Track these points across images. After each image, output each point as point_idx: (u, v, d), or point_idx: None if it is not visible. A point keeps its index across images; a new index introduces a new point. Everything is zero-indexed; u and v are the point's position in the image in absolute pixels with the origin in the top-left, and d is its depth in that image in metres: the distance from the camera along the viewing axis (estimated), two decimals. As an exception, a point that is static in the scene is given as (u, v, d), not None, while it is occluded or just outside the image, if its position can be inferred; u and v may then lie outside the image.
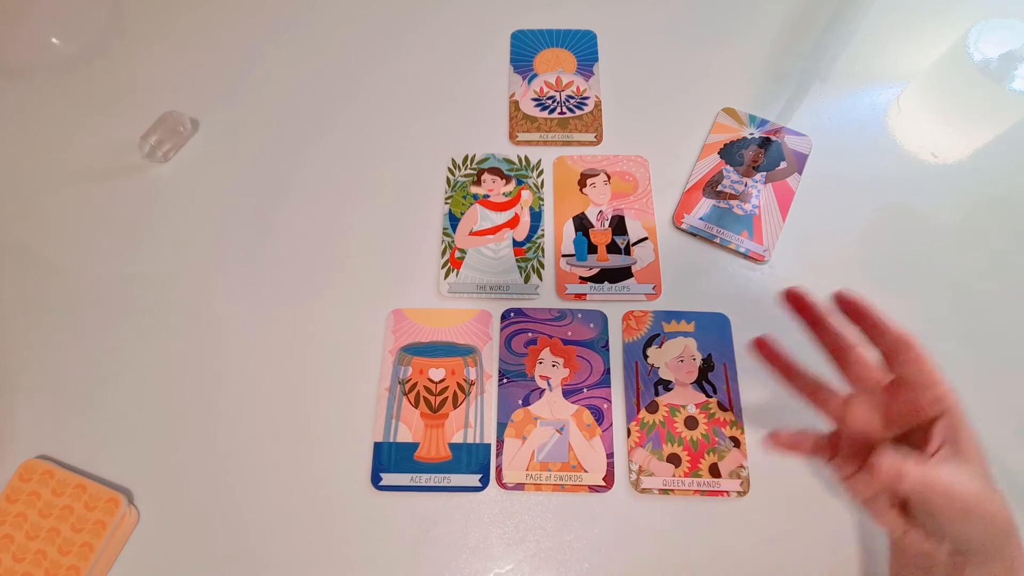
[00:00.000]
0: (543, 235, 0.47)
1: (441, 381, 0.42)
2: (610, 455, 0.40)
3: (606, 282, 0.45)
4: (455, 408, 0.41)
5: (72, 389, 0.42)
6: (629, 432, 0.40)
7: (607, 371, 0.42)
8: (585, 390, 0.42)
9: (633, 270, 0.45)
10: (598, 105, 0.52)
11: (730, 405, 0.41)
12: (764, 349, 0.36)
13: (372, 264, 0.46)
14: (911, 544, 0.31)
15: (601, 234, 0.47)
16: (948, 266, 0.45)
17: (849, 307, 0.32)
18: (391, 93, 0.53)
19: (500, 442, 0.40)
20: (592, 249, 0.46)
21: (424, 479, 0.39)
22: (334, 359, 0.43)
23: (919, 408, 0.30)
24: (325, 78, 0.54)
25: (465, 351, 0.43)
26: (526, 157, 0.50)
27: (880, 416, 0.32)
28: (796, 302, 0.34)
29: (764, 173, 0.49)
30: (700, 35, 0.56)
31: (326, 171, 0.50)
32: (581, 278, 0.45)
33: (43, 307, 0.45)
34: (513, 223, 0.47)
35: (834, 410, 0.34)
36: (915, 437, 0.31)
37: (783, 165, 0.49)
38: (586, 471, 0.39)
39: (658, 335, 0.43)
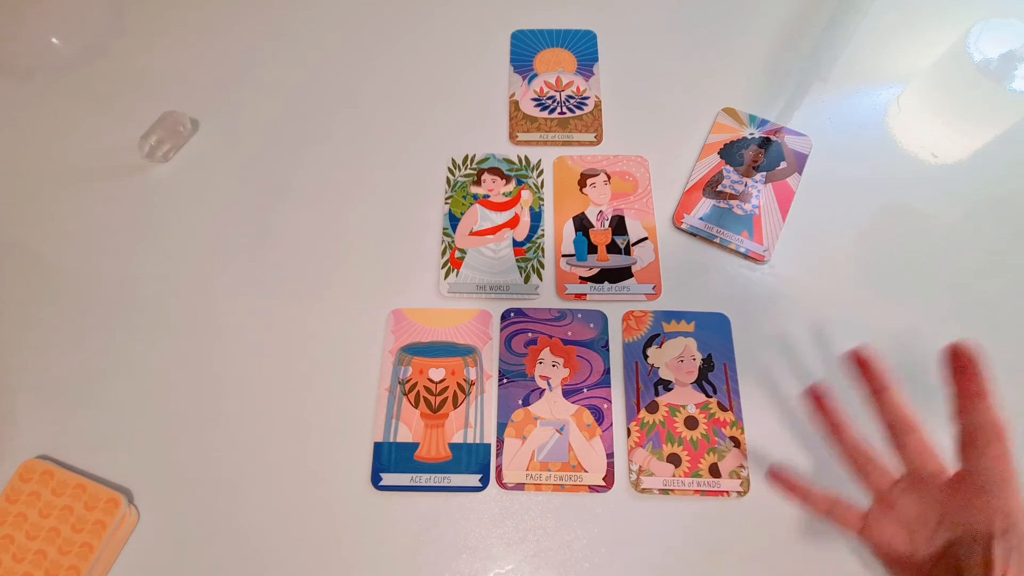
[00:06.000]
0: (543, 235, 0.47)
1: (441, 381, 0.42)
2: (610, 455, 0.40)
3: (606, 282, 0.45)
4: (455, 408, 0.41)
5: (72, 389, 0.42)
6: (629, 432, 0.40)
7: (607, 371, 0.42)
8: (585, 390, 0.42)
9: (633, 270, 0.45)
10: (598, 105, 0.52)
11: (730, 405, 0.41)
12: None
13: (372, 264, 0.46)
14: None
15: (601, 234, 0.47)
16: (948, 266, 0.45)
17: (961, 362, 0.28)
18: (391, 93, 0.53)
19: (500, 442, 0.40)
20: (592, 249, 0.46)
21: (424, 479, 0.39)
22: (334, 359, 0.43)
23: (981, 514, 0.26)
24: (325, 78, 0.54)
25: (465, 351, 0.43)
26: (526, 157, 0.50)
27: (927, 518, 0.29)
28: (862, 364, 0.31)
29: (764, 173, 0.49)
30: (700, 35, 0.56)
31: (326, 171, 0.50)
32: (581, 278, 0.45)
33: (43, 307, 0.45)
34: (513, 223, 0.47)
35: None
36: (956, 551, 0.27)
37: (783, 165, 0.49)
38: (586, 471, 0.39)
39: (658, 335, 0.43)
